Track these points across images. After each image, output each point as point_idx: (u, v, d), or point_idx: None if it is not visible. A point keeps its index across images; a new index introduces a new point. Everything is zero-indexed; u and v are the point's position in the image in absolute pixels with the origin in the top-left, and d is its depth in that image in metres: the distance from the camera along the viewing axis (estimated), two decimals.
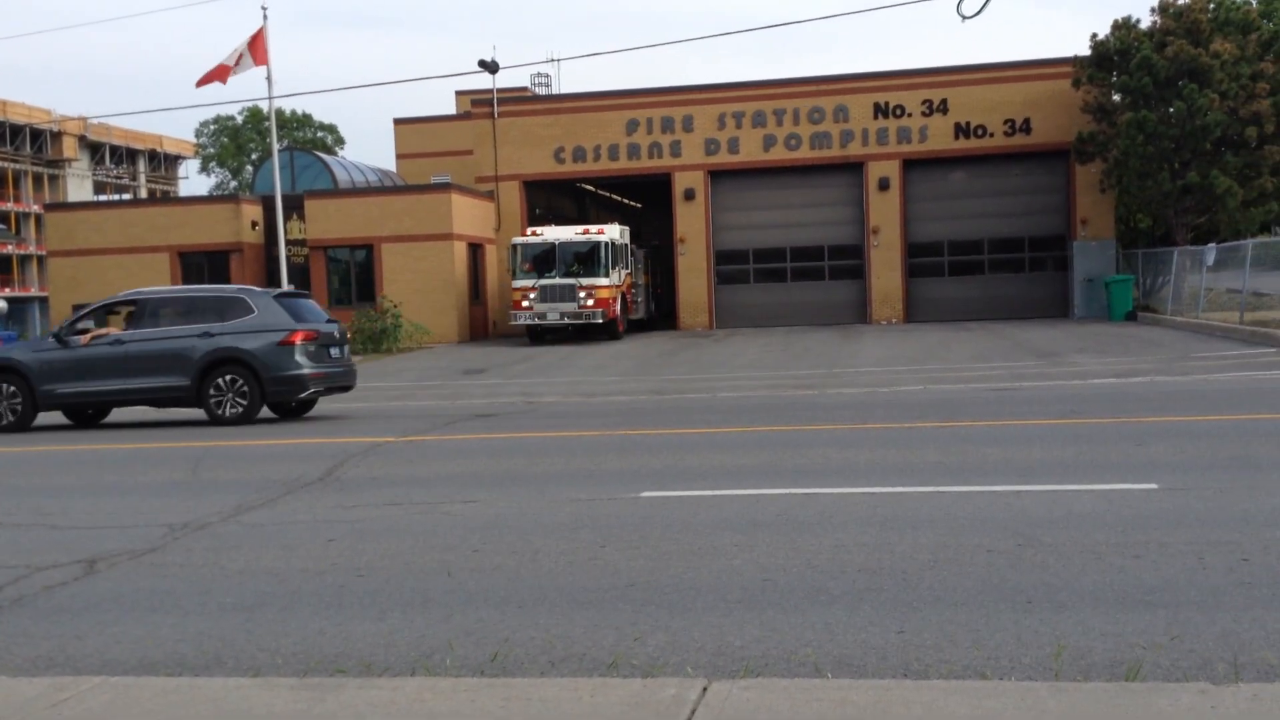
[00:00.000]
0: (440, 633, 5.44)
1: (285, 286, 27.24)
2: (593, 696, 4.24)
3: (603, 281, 29.80)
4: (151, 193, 77.22)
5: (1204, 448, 9.65)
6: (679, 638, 5.19)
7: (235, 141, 79.64)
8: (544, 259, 30.27)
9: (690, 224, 34.65)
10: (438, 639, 5.35)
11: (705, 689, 4.25)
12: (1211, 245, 26.56)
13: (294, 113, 76.99)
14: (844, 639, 5.07)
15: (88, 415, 16.25)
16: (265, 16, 26.43)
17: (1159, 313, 28.62)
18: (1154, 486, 8.05)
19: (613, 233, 31.16)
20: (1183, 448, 9.71)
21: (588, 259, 30.14)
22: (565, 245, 30.23)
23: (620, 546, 6.97)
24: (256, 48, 26.38)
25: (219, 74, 26.06)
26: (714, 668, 4.77)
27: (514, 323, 30.70)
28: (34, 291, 63.09)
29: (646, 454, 10.90)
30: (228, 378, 15.12)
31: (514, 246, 30.80)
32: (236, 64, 26.04)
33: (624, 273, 31.85)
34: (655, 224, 39.31)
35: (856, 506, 7.86)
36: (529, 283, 29.83)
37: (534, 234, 31.02)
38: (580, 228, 31.73)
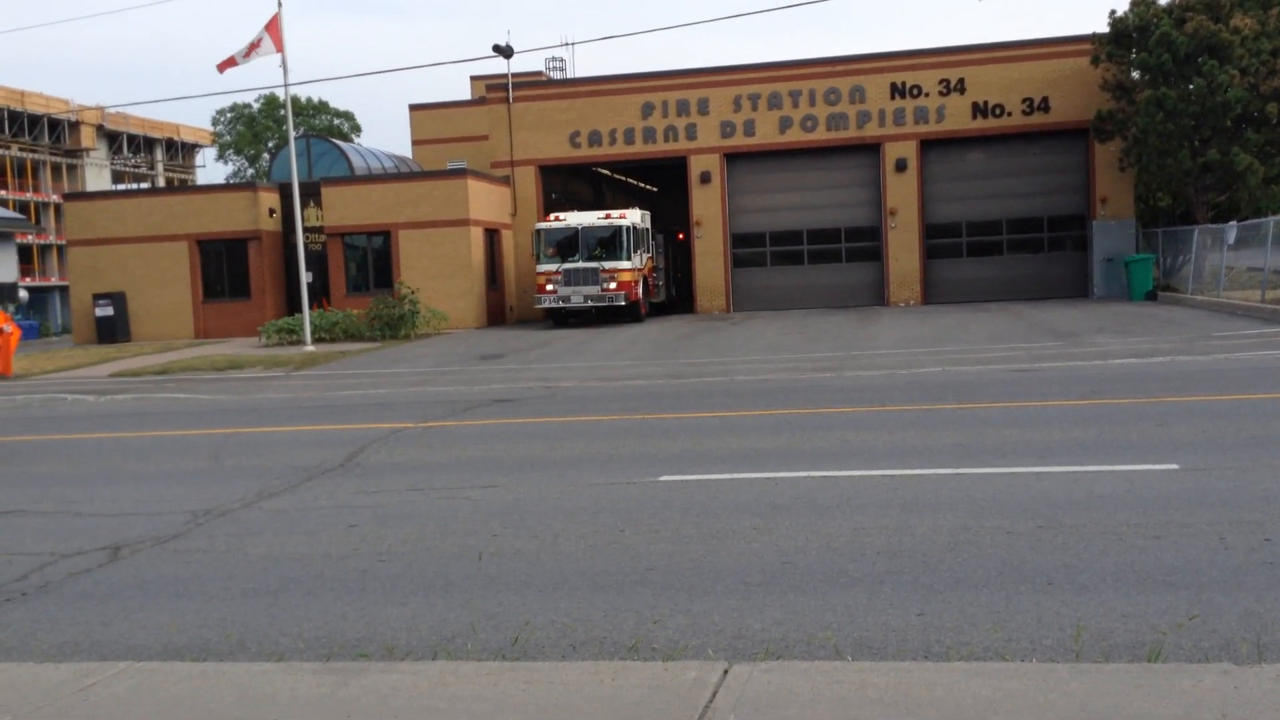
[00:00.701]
0: (462, 617, 5.47)
1: (304, 274, 27.30)
2: (614, 680, 4.26)
3: (625, 265, 30.29)
4: (169, 181, 77.57)
5: (1225, 427, 9.59)
6: (699, 621, 5.21)
7: (252, 129, 79.83)
8: (567, 244, 30.78)
9: (706, 207, 34.58)
10: (459, 623, 5.38)
11: (726, 671, 4.27)
12: (1232, 223, 26.30)
13: (310, 100, 77.14)
14: (864, 621, 5.07)
15: None
16: (280, 3, 26.44)
17: (1179, 292, 28.42)
18: (1175, 467, 8.01)
19: (634, 217, 31.51)
20: (1204, 427, 9.65)
21: (610, 243, 30.58)
22: (588, 230, 30.74)
23: (639, 530, 6.99)
24: (273, 34, 26.41)
25: (234, 59, 26.20)
26: (734, 650, 4.79)
27: (538, 306, 31.18)
28: (54, 281, 63.55)
29: (664, 438, 10.90)
30: None
31: (538, 231, 31.18)
32: (255, 49, 26.11)
33: (645, 256, 32.32)
34: (671, 207, 39.26)
35: (876, 489, 7.85)
36: (553, 267, 30.32)
37: (557, 219, 31.46)
38: (602, 212, 32.05)
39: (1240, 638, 4.61)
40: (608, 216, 31.31)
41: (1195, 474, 7.75)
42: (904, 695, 3.94)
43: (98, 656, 5.18)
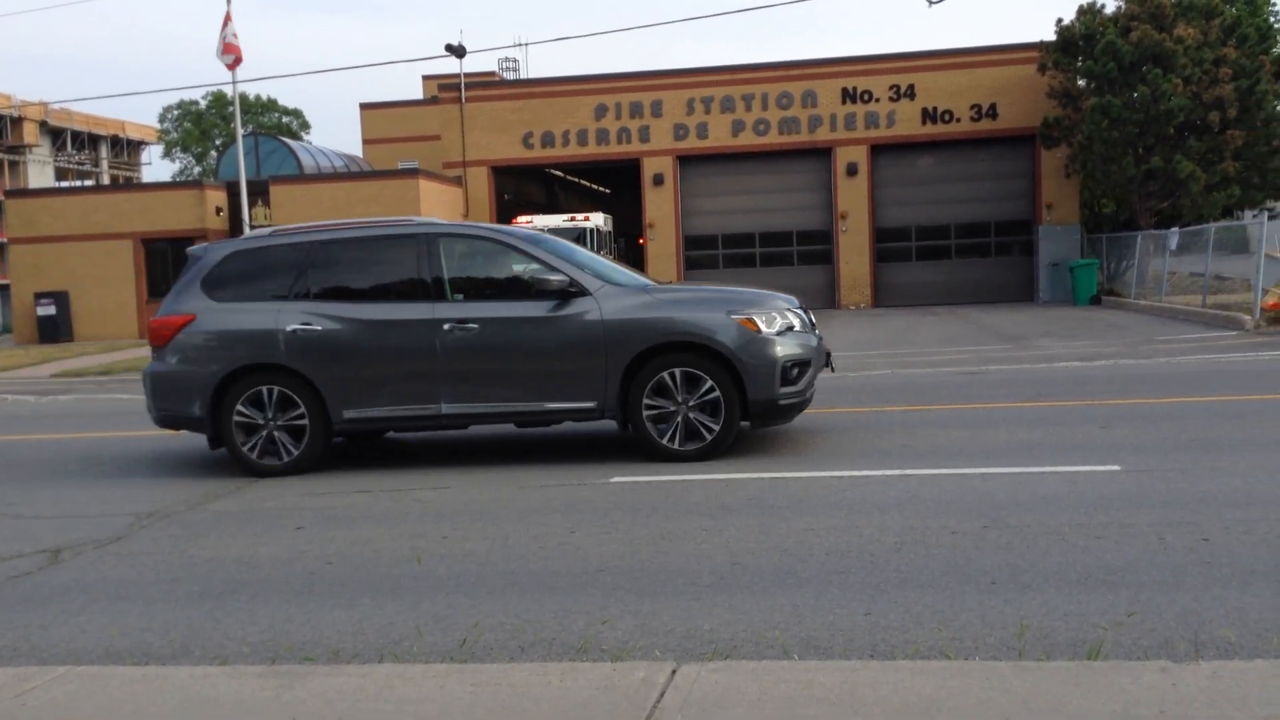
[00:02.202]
0: (409, 619, 5.44)
1: None
2: (562, 681, 4.26)
3: None
4: (114, 179, 76.34)
5: (1166, 430, 9.76)
6: (648, 621, 5.21)
7: (199, 127, 78.79)
8: None
9: (659, 209, 34.68)
10: (407, 626, 5.35)
11: (674, 671, 4.28)
12: (1175, 229, 26.80)
13: (259, 97, 76.29)
14: (812, 621, 5.10)
15: None
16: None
17: (1123, 296, 28.89)
18: (1117, 468, 8.14)
19: (597, 220, 32.59)
20: (1146, 430, 9.82)
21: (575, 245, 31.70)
22: (554, 232, 31.79)
23: (590, 532, 6.98)
24: (225, 28, 26.15)
25: (236, 52, 26.15)
26: (683, 651, 4.80)
27: None
28: None
29: (615, 439, 10.89)
30: None
31: None
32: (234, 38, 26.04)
33: (609, 258, 33.36)
34: (624, 209, 39.38)
35: (825, 490, 7.90)
36: None
37: (528, 222, 32.34)
38: (568, 216, 33.37)
39: (1178, 636, 4.70)
40: (573, 219, 32.45)
41: (1137, 475, 7.88)
42: (850, 694, 3.97)
43: (37, 660, 5.09)
